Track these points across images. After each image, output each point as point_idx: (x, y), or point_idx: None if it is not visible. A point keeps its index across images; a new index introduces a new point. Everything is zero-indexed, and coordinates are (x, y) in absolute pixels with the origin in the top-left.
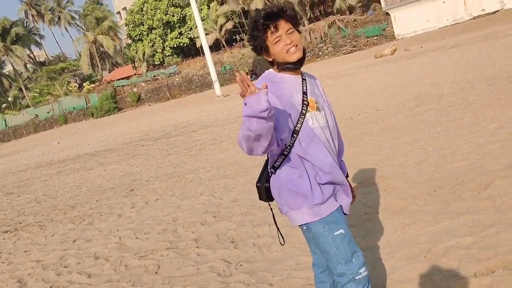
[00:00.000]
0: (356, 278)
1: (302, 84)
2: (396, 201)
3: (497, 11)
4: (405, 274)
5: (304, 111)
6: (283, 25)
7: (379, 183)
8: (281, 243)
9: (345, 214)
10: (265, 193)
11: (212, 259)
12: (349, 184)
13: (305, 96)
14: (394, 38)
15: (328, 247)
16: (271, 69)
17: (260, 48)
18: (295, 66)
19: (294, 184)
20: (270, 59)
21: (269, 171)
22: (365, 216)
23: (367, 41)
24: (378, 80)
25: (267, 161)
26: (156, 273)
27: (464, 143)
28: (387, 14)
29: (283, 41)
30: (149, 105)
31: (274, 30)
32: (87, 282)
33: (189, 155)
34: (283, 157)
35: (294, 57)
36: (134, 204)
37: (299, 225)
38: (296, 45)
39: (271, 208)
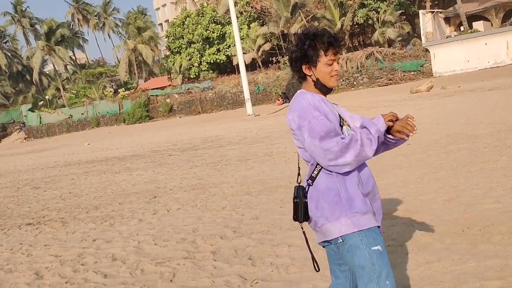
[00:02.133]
0: None
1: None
2: (422, 237)
3: None
4: None
5: (341, 123)
6: (339, 53)
7: (405, 217)
8: (316, 269)
9: None
10: (304, 210)
11: (228, 273)
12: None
13: (337, 111)
14: (432, 75)
15: (364, 261)
16: (303, 90)
17: (310, 58)
18: (328, 91)
19: (335, 193)
20: (309, 74)
21: (307, 183)
22: (388, 248)
23: (404, 75)
24: (412, 114)
25: (297, 187)
26: (171, 281)
27: (497, 185)
28: (427, 50)
29: (334, 66)
30: (180, 117)
31: (334, 53)
32: (102, 282)
33: (214, 169)
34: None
35: (335, 84)
36: (156, 211)
37: (333, 239)
38: (338, 75)
39: (303, 231)
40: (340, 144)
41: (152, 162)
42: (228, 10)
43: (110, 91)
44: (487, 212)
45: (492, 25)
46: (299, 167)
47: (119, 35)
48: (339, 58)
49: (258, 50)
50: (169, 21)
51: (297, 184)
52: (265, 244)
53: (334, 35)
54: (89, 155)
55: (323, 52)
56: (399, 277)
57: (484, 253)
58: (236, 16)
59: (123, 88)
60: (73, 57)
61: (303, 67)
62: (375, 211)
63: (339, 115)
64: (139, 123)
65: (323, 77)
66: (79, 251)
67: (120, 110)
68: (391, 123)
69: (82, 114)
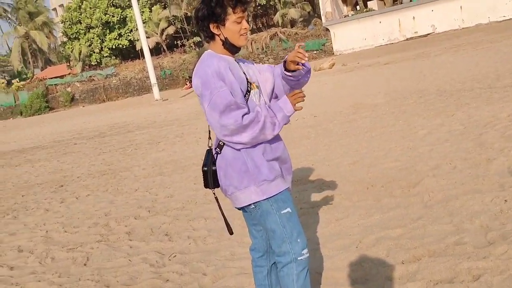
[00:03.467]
0: (298, 258)
1: (239, 65)
2: (331, 197)
3: (428, 34)
4: (337, 263)
5: (249, 88)
6: (247, 11)
7: (315, 181)
8: (230, 233)
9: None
10: (212, 178)
11: (145, 251)
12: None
13: (245, 74)
14: (333, 53)
15: (275, 226)
16: (210, 51)
17: (218, 16)
18: (237, 51)
19: (241, 162)
20: (217, 34)
21: (215, 151)
22: (300, 210)
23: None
24: (317, 90)
25: (208, 151)
26: (85, 264)
27: (395, 146)
28: (327, 30)
29: (243, 25)
30: (83, 106)
31: (242, 10)
32: (9, 274)
33: (124, 154)
34: None
35: (244, 42)
36: (64, 199)
37: (245, 206)
38: (247, 33)
39: (216, 197)
40: (238, 123)
41: (55, 152)
42: None
43: (3, 82)
44: (388, 170)
45: (385, 4)
46: (209, 131)
47: (9, 21)
48: (247, 16)
49: (161, 34)
50: (64, 6)
51: (208, 148)
52: (181, 220)
53: None
54: None
55: (231, 10)
56: (312, 235)
57: (387, 206)
58: None
59: (17, 79)
60: None
61: (211, 26)
62: (284, 173)
63: (246, 79)
64: (38, 114)
65: (232, 36)
66: None
67: (15, 102)
68: (300, 108)
69: None
